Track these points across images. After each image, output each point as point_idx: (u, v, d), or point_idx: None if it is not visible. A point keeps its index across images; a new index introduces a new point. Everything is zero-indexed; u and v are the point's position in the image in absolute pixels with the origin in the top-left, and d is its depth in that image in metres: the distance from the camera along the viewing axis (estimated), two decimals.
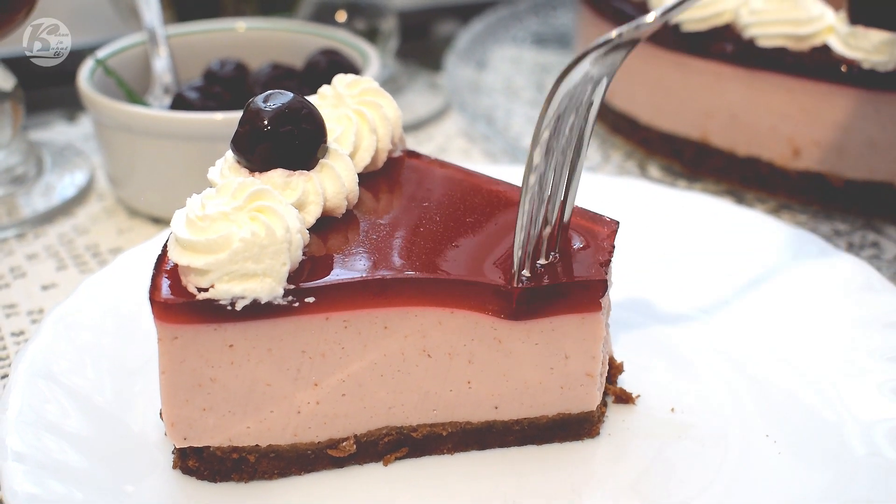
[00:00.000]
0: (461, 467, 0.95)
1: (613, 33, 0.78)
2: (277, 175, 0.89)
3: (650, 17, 0.79)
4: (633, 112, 1.58)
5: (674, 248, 1.23)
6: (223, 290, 0.83)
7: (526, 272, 0.88)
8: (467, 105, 1.67)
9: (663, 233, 1.25)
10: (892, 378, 1.00)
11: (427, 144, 1.64)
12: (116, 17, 1.82)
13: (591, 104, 0.87)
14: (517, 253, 0.87)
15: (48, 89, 1.71)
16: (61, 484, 0.85)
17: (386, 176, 1.02)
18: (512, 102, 1.74)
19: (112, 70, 1.40)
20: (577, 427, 0.97)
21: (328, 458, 0.94)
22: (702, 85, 1.45)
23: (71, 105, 1.67)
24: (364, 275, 0.87)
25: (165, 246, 0.87)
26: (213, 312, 0.84)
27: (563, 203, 0.91)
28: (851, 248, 1.31)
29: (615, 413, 1.00)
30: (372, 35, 1.69)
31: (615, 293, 0.97)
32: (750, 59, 1.37)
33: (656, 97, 1.53)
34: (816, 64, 1.33)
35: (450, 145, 1.64)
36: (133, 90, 1.41)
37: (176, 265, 0.84)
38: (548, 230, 0.90)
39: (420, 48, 2.05)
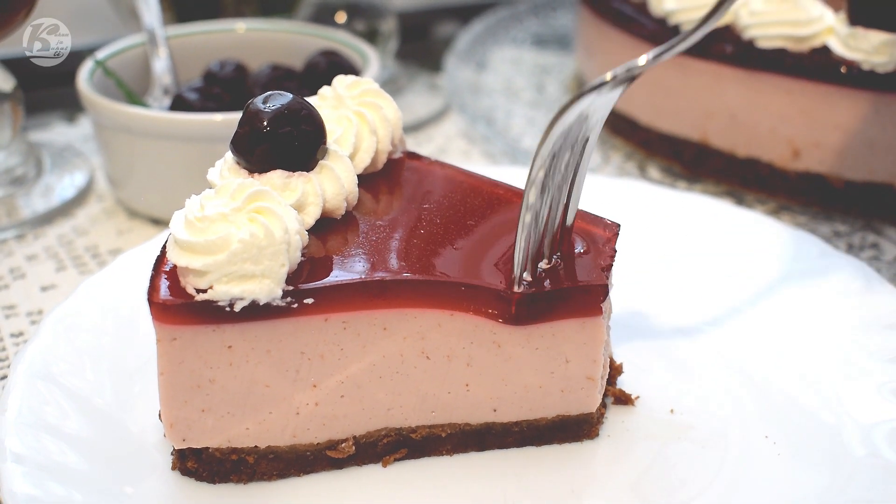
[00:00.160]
0: (460, 468, 0.95)
1: (608, 76, 0.80)
2: (277, 176, 0.89)
3: (642, 60, 0.81)
4: (633, 113, 1.58)
5: (673, 249, 1.23)
6: (222, 292, 0.82)
7: (527, 276, 0.88)
8: (467, 106, 1.67)
9: (663, 234, 1.25)
10: (891, 380, 1.00)
11: (427, 145, 1.64)
12: (116, 18, 1.82)
13: (586, 139, 0.88)
14: (517, 262, 0.87)
15: (48, 90, 1.71)
16: (60, 485, 0.85)
17: (386, 177, 1.02)
18: (512, 103, 1.74)
19: (112, 71, 1.40)
20: (576, 428, 0.97)
21: (327, 459, 0.94)
22: (701, 86, 1.45)
23: (70, 106, 1.67)
24: (363, 276, 0.87)
25: (164, 247, 0.87)
26: (212, 313, 0.84)
27: (566, 207, 0.91)
28: (851, 249, 1.31)
29: (614, 414, 1.00)
30: (372, 36, 1.69)
31: (614, 294, 0.97)
32: (750, 60, 1.37)
33: (656, 98, 1.53)
34: (816, 65, 1.33)
35: (449, 146, 1.64)
36: (133, 91, 1.41)
37: (175, 266, 0.84)
38: (549, 236, 0.90)
39: (420, 49, 2.05)
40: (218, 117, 1.26)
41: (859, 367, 1.03)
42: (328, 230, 0.92)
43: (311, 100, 0.98)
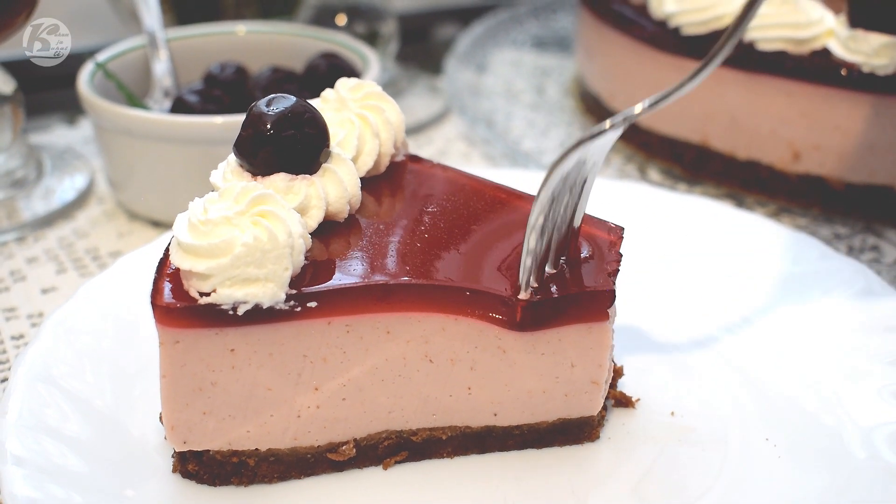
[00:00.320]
0: (461, 471, 0.95)
1: (606, 123, 0.82)
2: (280, 179, 0.89)
3: (637, 108, 0.83)
4: None
5: (674, 251, 1.23)
6: (225, 295, 0.82)
7: (533, 281, 0.88)
8: (467, 108, 1.67)
9: (663, 237, 1.25)
10: (892, 382, 1.00)
11: (427, 148, 1.64)
12: (116, 21, 1.82)
13: (584, 180, 0.89)
14: (523, 272, 0.87)
15: (48, 93, 1.71)
16: (61, 488, 0.85)
17: (388, 180, 1.02)
18: (512, 106, 1.74)
19: (112, 73, 1.40)
20: (577, 431, 0.97)
21: (328, 461, 0.94)
22: (702, 88, 1.44)
23: (71, 108, 1.67)
24: (366, 280, 0.87)
25: (167, 250, 0.87)
26: (215, 317, 0.84)
27: (573, 212, 0.91)
28: (851, 251, 1.31)
29: (615, 416, 1.00)
30: (372, 38, 1.69)
31: None
32: (750, 62, 1.38)
33: None
34: (816, 67, 1.33)
35: (450, 148, 1.64)
36: (133, 93, 1.41)
37: (178, 269, 0.84)
38: (555, 244, 0.90)
39: (420, 51, 2.05)
40: (218, 120, 1.26)
41: (859, 369, 1.03)
42: (331, 233, 0.92)
43: (313, 102, 0.98)
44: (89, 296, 1.08)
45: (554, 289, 0.89)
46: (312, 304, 0.85)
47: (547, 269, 0.90)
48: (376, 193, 1.00)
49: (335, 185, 0.92)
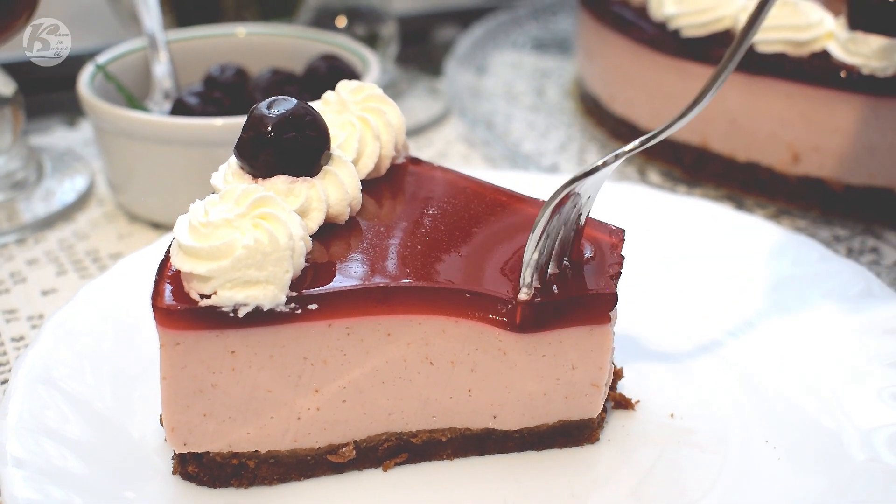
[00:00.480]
0: (461, 473, 0.95)
1: (599, 162, 0.84)
2: (281, 181, 0.89)
3: (629, 146, 0.85)
4: (633, 117, 1.58)
5: (673, 253, 1.23)
6: (226, 297, 0.83)
7: (535, 282, 0.88)
8: (467, 110, 1.67)
9: (663, 238, 1.25)
10: (891, 384, 1.00)
11: (427, 150, 1.64)
12: (117, 22, 1.83)
13: (579, 214, 0.90)
14: (525, 273, 0.87)
15: (48, 94, 1.71)
16: (61, 490, 0.85)
17: (389, 183, 1.02)
18: (512, 107, 1.74)
19: (112, 75, 1.40)
20: (577, 433, 0.97)
21: (328, 463, 0.94)
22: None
23: (71, 110, 1.67)
24: (367, 282, 0.87)
25: (168, 252, 0.87)
26: (216, 319, 0.84)
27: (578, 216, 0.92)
28: (851, 253, 1.32)
29: (615, 418, 1.01)
30: (372, 40, 1.69)
31: None
32: (749, 64, 1.38)
33: (656, 102, 1.53)
34: (816, 69, 1.34)
35: (450, 150, 1.64)
36: (133, 95, 1.41)
37: (178, 271, 0.84)
38: (558, 245, 0.90)
39: (420, 53, 2.05)
40: (218, 122, 1.26)
41: (859, 371, 1.03)
42: (332, 236, 0.92)
43: (314, 105, 0.98)
44: (89, 298, 1.08)
45: (555, 291, 0.89)
46: (313, 307, 0.85)
47: (549, 269, 0.90)
48: (377, 196, 1.00)
49: (336, 188, 0.92)
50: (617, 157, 0.85)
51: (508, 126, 1.67)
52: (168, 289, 0.85)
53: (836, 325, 1.09)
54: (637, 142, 0.86)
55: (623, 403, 1.01)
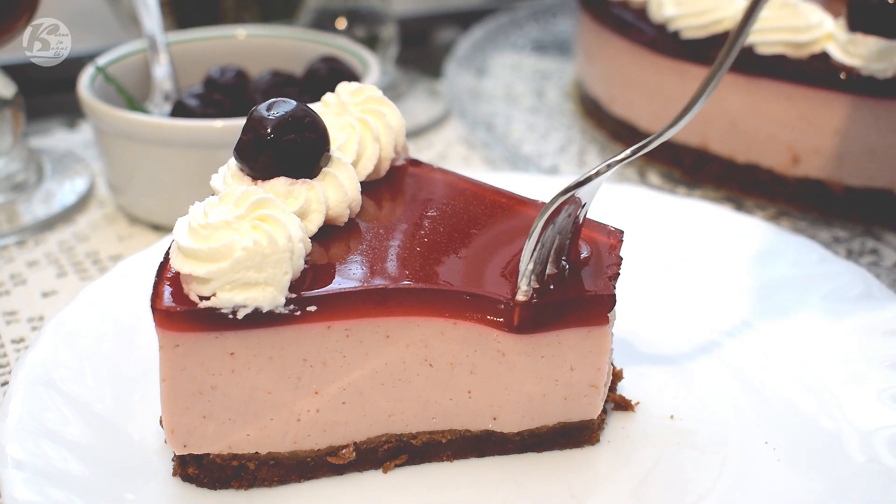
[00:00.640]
0: (460, 474, 0.95)
1: (593, 171, 0.85)
2: (280, 183, 0.89)
3: (621, 155, 0.86)
4: (633, 119, 1.58)
5: (673, 255, 1.23)
6: (225, 299, 0.83)
7: (533, 283, 0.88)
8: (467, 112, 1.67)
9: (663, 240, 1.25)
10: (891, 385, 1.00)
11: (427, 151, 1.64)
12: (117, 24, 1.83)
13: (576, 218, 0.90)
14: (523, 274, 0.87)
15: (48, 96, 1.71)
16: (61, 491, 0.85)
17: (389, 185, 1.02)
18: (512, 109, 1.74)
19: (112, 77, 1.40)
20: (577, 434, 0.97)
21: (328, 465, 0.94)
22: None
23: (71, 112, 1.67)
24: (366, 284, 0.87)
25: (167, 254, 0.87)
26: (215, 321, 0.84)
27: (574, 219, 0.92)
28: (851, 254, 1.32)
29: (615, 420, 1.01)
30: (372, 42, 1.69)
31: None
32: (749, 66, 1.38)
33: (655, 104, 1.53)
34: (815, 71, 1.34)
35: (450, 152, 1.64)
36: (133, 97, 1.41)
37: (178, 273, 0.84)
38: (557, 243, 0.90)
39: (420, 55, 2.05)
40: (218, 123, 1.26)
41: (859, 372, 1.03)
42: (331, 238, 0.92)
43: (314, 106, 0.98)
44: (89, 299, 1.08)
45: (553, 292, 0.89)
46: (312, 309, 0.85)
47: (548, 269, 0.90)
48: (376, 197, 1.00)
49: (335, 190, 0.92)
50: (609, 166, 0.86)
51: (508, 128, 1.67)
52: (167, 290, 0.85)
53: (835, 327, 1.09)
54: (629, 150, 0.87)
55: (623, 405, 1.01)
